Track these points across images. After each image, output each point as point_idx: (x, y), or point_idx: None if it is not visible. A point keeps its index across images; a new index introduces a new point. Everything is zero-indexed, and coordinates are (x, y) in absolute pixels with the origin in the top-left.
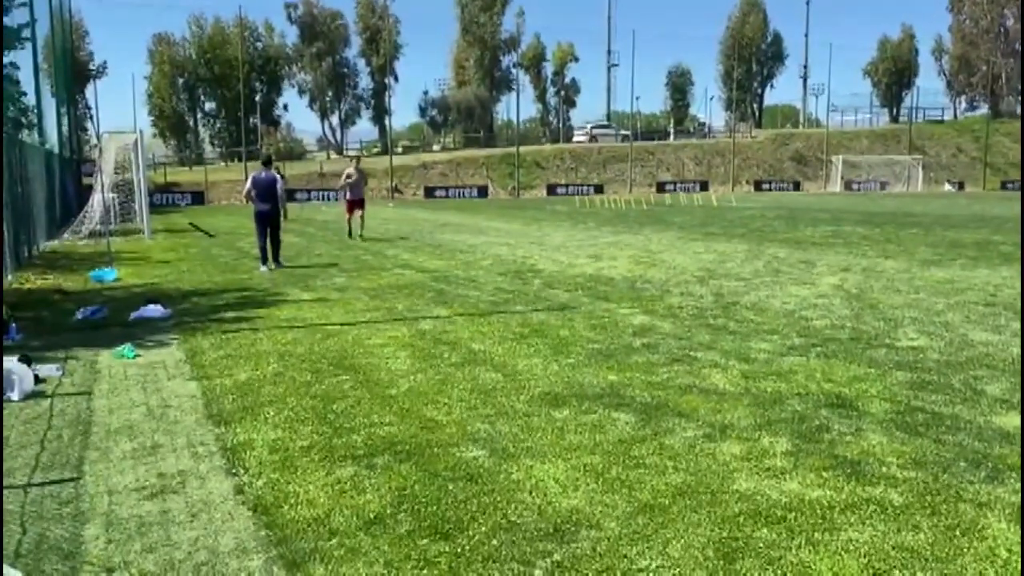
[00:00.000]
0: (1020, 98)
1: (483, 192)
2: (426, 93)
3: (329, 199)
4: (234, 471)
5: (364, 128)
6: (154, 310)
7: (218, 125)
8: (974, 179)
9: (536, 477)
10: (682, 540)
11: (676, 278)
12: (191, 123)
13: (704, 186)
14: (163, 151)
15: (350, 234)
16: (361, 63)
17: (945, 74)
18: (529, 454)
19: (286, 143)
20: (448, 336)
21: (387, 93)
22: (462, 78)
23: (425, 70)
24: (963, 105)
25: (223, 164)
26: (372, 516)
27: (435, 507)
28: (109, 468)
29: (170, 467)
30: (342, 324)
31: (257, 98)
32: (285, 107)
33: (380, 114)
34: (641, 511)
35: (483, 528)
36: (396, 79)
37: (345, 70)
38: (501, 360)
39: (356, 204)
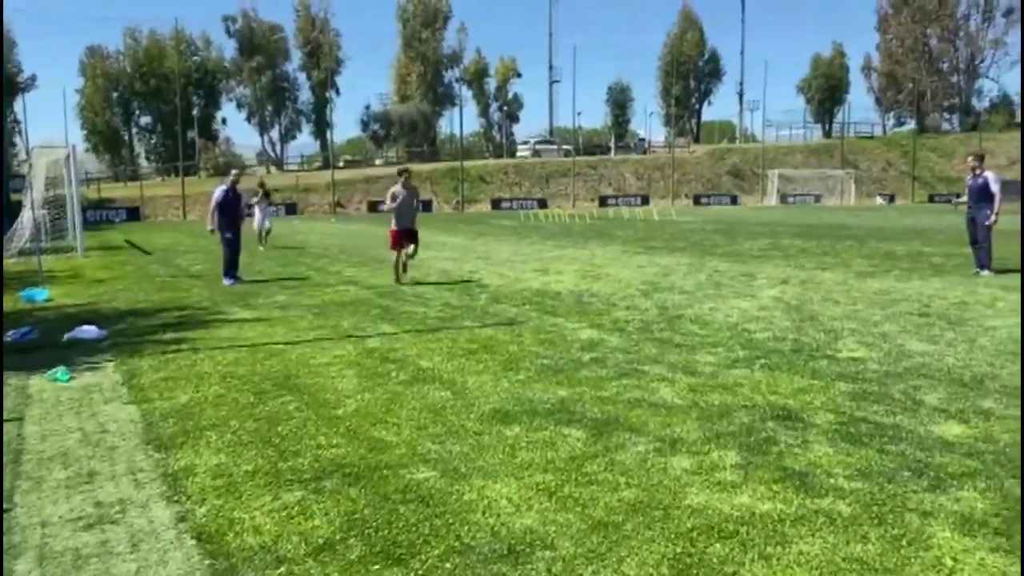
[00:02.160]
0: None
1: (427, 206)
2: (368, 107)
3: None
4: (176, 498)
5: (305, 142)
6: (89, 331)
7: (154, 140)
8: (903, 192)
9: (489, 497)
10: (636, 557)
11: (621, 292)
12: (126, 137)
13: (645, 200)
14: (97, 166)
15: (397, 278)
16: (302, 77)
17: (874, 91)
18: (481, 473)
19: (225, 158)
20: (395, 354)
21: (328, 107)
22: (405, 92)
23: (367, 84)
24: (892, 121)
25: (160, 179)
26: (321, 542)
27: (386, 531)
28: (42, 498)
29: (108, 495)
30: (286, 343)
31: (195, 112)
32: (224, 121)
33: (321, 128)
34: (595, 529)
35: (436, 551)
36: (338, 93)
37: (285, 84)
38: (450, 377)
39: (406, 236)
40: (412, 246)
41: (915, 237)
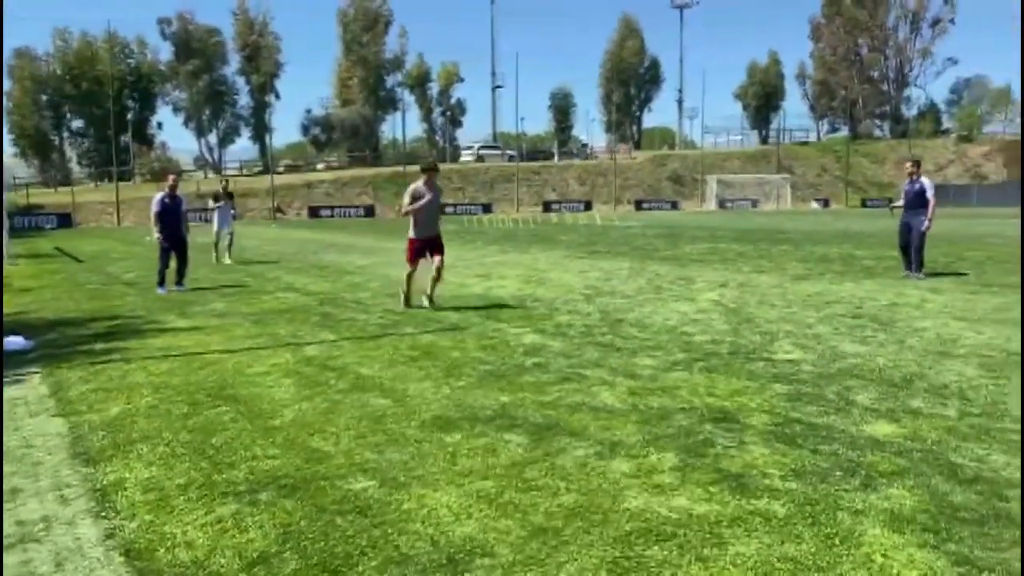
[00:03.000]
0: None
1: (370, 211)
2: (309, 111)
3: (206, 220)
4: (104, 514)
5: (243, 146)
6: (15, 342)
7: (86, 144)
8: (837, 197)
9: (428, 506)
10: (576, 562)
11: (564, 296)
12: (56, 142)
13: (588, 205)
14: (26, 171)
15: (407, 300)
16: (240, 81)
17: (808, 98)
18: (420, 482)
19: (160, 163)
20: (335, 362)
21: (268, 111)
22: (346, 96)
23: (308, 88)
24: (826, 127)
25: (93, 185)
26: (255, 556)
27: (323, 543)
28: None
29: (32, 513)
30: (221, 352)
31: (129, 116)
32: (159, 125)
33: (260, 132)
34: (535, 535)
35: (374, 563)
36: (277, 97)
37: (223, 88)
38: (391, 385)
39: (428, 247)
40: (438, 258)
41: (848, 241)
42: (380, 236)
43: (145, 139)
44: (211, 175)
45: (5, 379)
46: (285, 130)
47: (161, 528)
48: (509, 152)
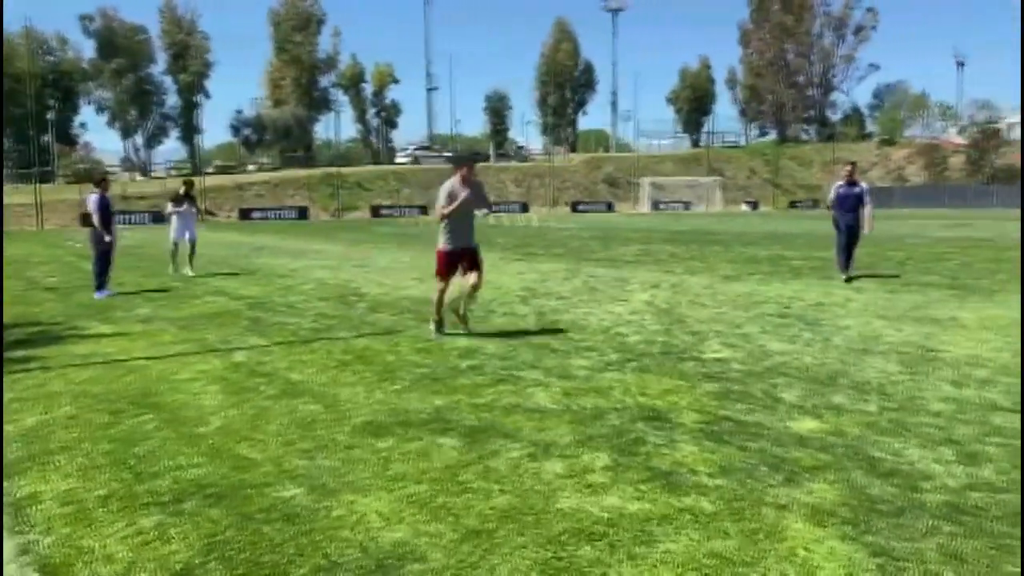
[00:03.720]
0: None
1: (303, 214)
2: (239, 112)
3: (132, 222)
4: (19, 529)
5: (172, 147)
6: None
7: (6, 144)
8: (766, 199)
9: (358, 512)
10: (508, 564)
11: (500, 298)
12: None
13: (525, 207)
14: None
15: (440, 325)
16: (168, 80)
17: (738, 102)
18: (351, 488)
19: (85, 163)
20: (264, 367)
21: (197, 111)
22: (278, 97)
23: (238, 88)
24: (755, 131)
25: (13, 186)
26: (179, 567)
27: (249, 552)
28: None
29: None
30: (146, 358)
31: (49, 115)
32: (83, 125)
33: (189, 133)
34: (467, 538)
35: (302, 571)
36: (207, 96)
37: (150, 87)
38: (322, 390)
39: (462, 259)
40: (474, 275)
41: (776, 242)
42: (313, 239)
43: (68, 139)
44: (138, 177)
45: None
46: (215, 131)
47: (79, 542)
48: (445, 154)
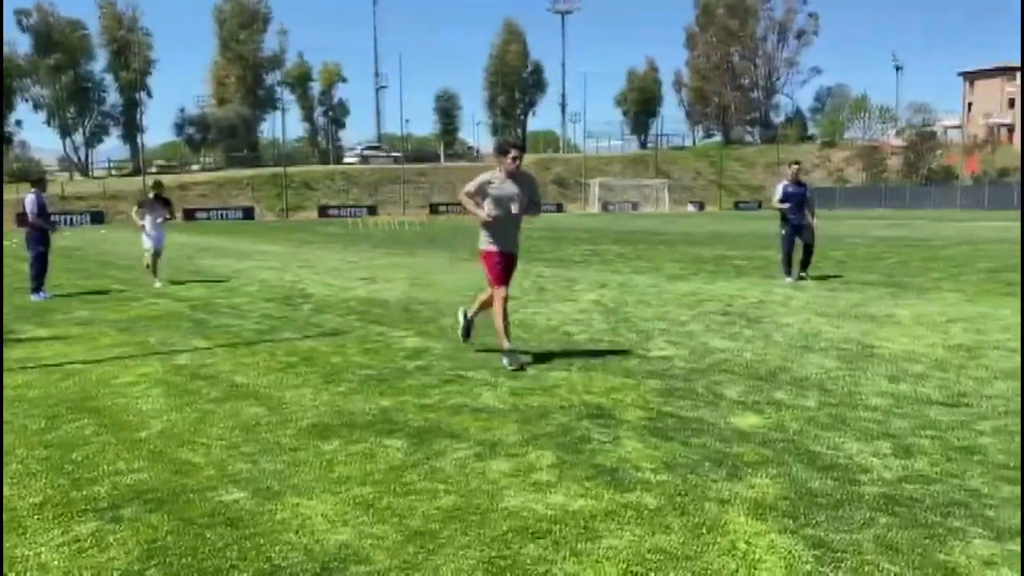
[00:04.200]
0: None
1: (249, 214)
2: (183, 110)
3: (72, 223)
4: None
5: (113, 146)
6: None
7: None
8: (712, 199)
9: (302, 515)
10: (452, 564)
11: (449, 299)
12: None
13: None
14: None
15: (506, 335)
16: (109, 78)
17: (684, 104)
18: (295, 491)
19: (20, 163)
20: (207, 370)
21: (139, 109)
22: (223, 95)
23: (182, 86)
24: (700, 133)
25: None
26: (117, 575)
27: (190, 558)
28: None
29: None
30: (84, 362)
31: None
32: (18, 123)
33: (131, 132)
34: (412, 539)
35: (245, 575)
36: (149, 95)
37: (89, 84)
38: (266, 392)
39: (511, 265)
40: (504, 290)
41: (720, 242)
42: (259, 239)
43: (2, 138)
44: (77, 176)
45: None
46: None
47: (11, 552)
48: (394, 154)
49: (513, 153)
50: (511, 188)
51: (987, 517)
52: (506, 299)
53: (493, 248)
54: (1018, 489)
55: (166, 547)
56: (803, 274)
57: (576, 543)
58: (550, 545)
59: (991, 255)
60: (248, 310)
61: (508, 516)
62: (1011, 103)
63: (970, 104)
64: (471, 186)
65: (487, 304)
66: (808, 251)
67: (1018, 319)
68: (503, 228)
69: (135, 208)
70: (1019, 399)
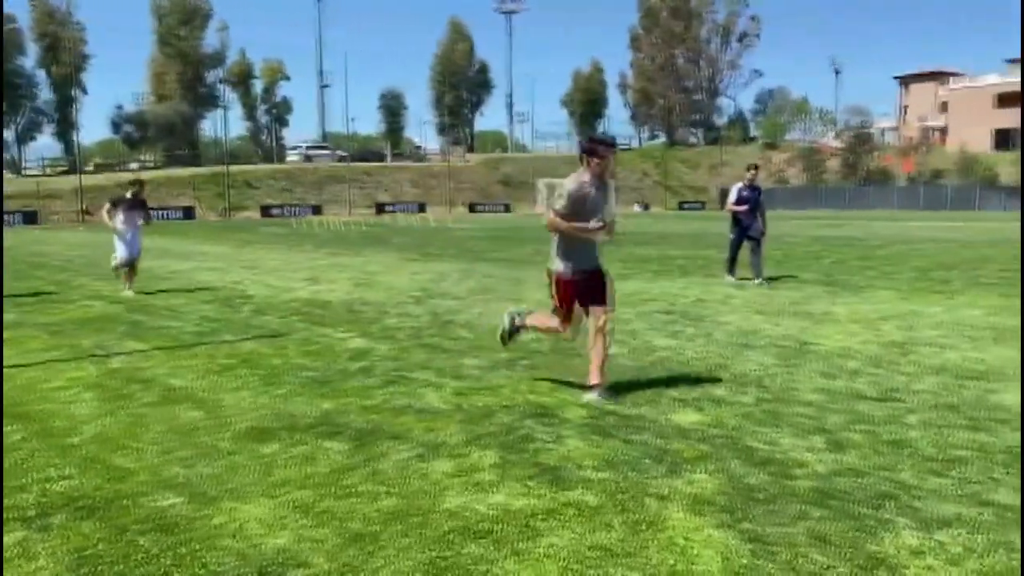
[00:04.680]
0: (1022, 100)
1: (189, 213)
2: (120, 107)
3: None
4: None
5: (46, 144)
6: None
7: None
8: (657, 200)
9: (239, 519)
10: (392, 566)
11: (394, 299)
12: None
13: (422, 208)
14: None
15: (604, 391)
16: (42, 73)
17: (629, 106)
18: (232, 495)
19: None
20: (143, 373)
21: (74, 106)
22: (162, 92)
23: (119, 83)
24: (646, 134)
25: None
26: None
27: (122, 566)
28: None
29: None
30: (12, 367)
31: None
32: None
33: (65, 129)
34: (351, 542)
35: None
36: (84, 92)
37: (20, 80)
38: (204, 396)
39: (587, 288)
40: (600, 313)
41: (664, 241)
42: (199, 239)
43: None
44: (8, 175)
45: None
46: (94, 127)
47: None
48: (339, 152)
49: (603, 152)
50: (597, 196)
51: (915, 508)
52: (573, 325)
53: (568, 273)
54: (945, 481)
55: (97, 555)
56: (760, 280)
57: (517, 542)
58: (491, 544)
59: (924, 254)
60: (187, 312)
61: (450, 516)
62: (943, 106)
63: (905, 107)
64: (560, 204)
65: (546, 329)
66: (758, 254)
67: (947, 317)
68: (582, 243)
69: (107, 206)
70: (947, 394)
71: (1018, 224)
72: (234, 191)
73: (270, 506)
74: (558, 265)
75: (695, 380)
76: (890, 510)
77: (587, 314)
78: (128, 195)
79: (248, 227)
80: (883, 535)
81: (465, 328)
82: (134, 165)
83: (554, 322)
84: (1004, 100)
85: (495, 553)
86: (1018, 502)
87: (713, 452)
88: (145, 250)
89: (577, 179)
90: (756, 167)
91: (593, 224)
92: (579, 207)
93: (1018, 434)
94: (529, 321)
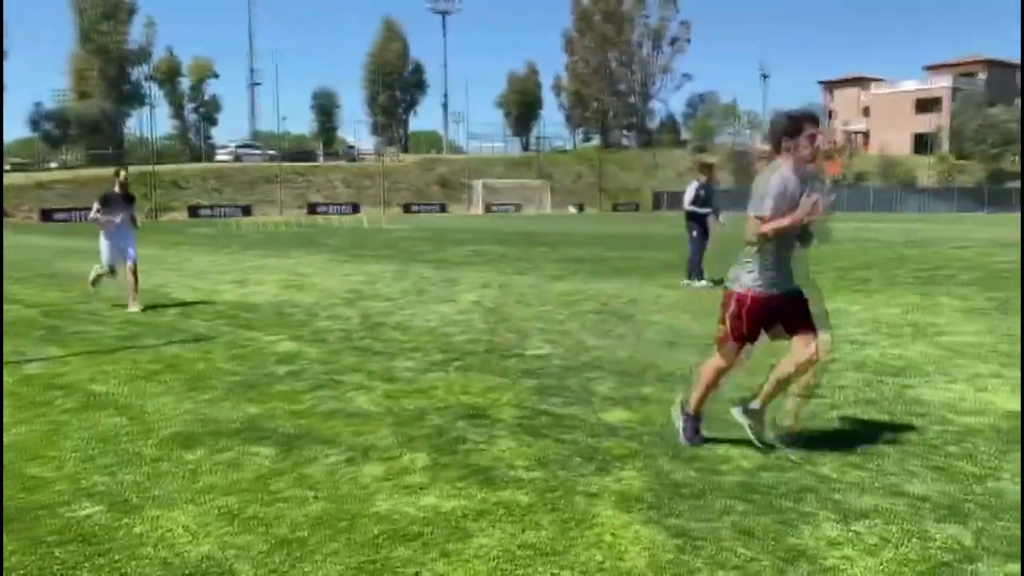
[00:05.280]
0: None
1: None
2: (39, 104)
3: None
4: None
5: None
6: None
7: None
8: (592, 201)
9: (163, 527)
10: (320, 572)
11: (325, 301)
12: None
13: (356, 208)
14: None
15: (694, 421)
16: None
17: (564, 108)
18: (155, 503)
19: None
20: (62, 379)
21: None
22: (83, 89)
23: (37, 79)
24: (580, 136)
25: None
26: None
27: None
28: None
29: None
30: None
31: None
32: None
33: None
34: (278, 548)
35: None
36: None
37: None
38: (126, 401)
39: (790, 310)
40: (809, 339)
41: (598, 243)
42: None
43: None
44: None
45: None
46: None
47: None
48: (270, 152)
49: (811, 131)
50: (798, 189)
51: (835, 501)
52: (731, 365)
53: (762, 290)
54: (864, 474)
55: (11, 568)
56: (687, 282)
57: (447, 543)
58: (420, 547)
59: (844, 254)
60: (109, 316)
61: (379, 520)
62: (866, 111)
63: (830, 111)
64: (770, 202)
65: (715, 385)
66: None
67: (867, 315)
68: (783, 254)
69: (96, 205)
70: (867, 390)
71: (930, 226)
72: (161, 191)
73: (195, 513)
74: (754, 283)
75: (625, 378)
76: (811, 503)
77: (789, 336)
78: (116, 189)
79: (175, 228)
80: (804, 527)
81: (398, 330)
82: (54, 164)
83: (717, 373)
84: (922, 105)
85: (424, 556)
86: (933, 493)
87: (642, 449)
88: (66, 252)
89: (781, 176)
90: (711, 166)
91: (805, 203)
92: (790, 209)
93: (937, 427)
94: (697, 395)
